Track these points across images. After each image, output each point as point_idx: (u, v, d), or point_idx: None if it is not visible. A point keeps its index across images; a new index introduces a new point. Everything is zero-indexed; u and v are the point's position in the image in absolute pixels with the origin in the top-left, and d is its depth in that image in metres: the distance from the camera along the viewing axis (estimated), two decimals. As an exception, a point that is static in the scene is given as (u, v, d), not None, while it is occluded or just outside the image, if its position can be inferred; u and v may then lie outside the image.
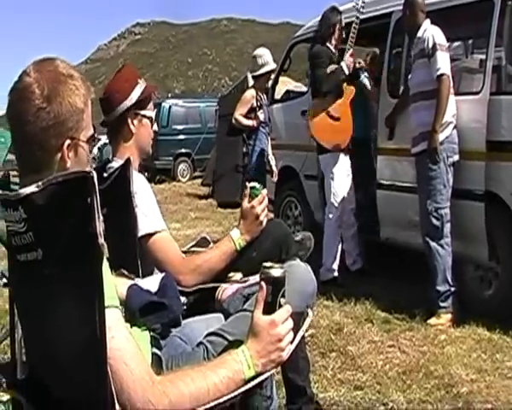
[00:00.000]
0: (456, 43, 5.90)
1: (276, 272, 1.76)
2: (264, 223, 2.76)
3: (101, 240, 1.48)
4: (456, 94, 5.05)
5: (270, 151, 7.25)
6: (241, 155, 7.25)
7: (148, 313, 2.05)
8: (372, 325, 4.85)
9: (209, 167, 15.44)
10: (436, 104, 4.83)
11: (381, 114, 6.04)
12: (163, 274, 2.33)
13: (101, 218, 1.49)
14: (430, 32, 4.94)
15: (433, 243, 4.93)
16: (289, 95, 8.53)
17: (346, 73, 6.08)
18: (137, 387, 1.55)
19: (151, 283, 2.22)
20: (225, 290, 2.49)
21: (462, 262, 5.15)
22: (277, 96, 8.31)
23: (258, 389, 1.89)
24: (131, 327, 2.00)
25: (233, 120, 7.05)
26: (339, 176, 6.23)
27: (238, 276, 2.66)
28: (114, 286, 1.65)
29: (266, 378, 1.81)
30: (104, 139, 11.34)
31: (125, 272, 2.42)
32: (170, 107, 19.71)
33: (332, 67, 6.14)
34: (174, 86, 79.87)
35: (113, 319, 1.57)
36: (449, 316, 4.90)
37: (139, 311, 2.03)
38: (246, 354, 1.72)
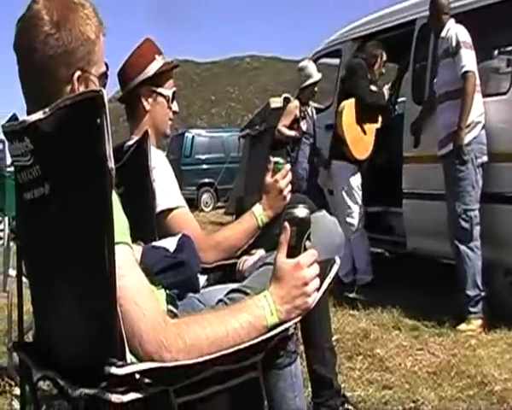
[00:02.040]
0: (483, 44, 5.77)
1: (301, 211, 1.64)
2: (288, 198, 2.65)
3: (111, 164, 1.38)
4: (484, 95, 4.92)
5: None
6: None
7: (164, 270, 1.93)
8: (400, 332, 4.68)
9: (232, 197, 15.37)
10: (461, 102, 4.71)
11: (406, 121, 5.93)
12: (180, 234, 2.21)
13: (111, 140, 1.39)
14: (454, 31, 4.85)
15: (462, 247, 4.77)
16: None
17: (386, 99, 6.27)
18: (149, 328, 1.43)
19: (168, 243, 2.12)
20: (246, 261, 2.38)
21: (491, 268, 4.98)
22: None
23: (281, 343, 1.74)
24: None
25: (276, 132, 7.09)
26: (355, 184, 6.26)
27: (261, 253, 2.54)
28: (127, 223, 1.55)
29: (289, 331, 1.67)
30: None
31: (142, 243, 2.32)
32: (193, 137, 19.74)
33: (373, 87, 6.25)
34: (198, 124, 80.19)
35: (125, 256, 1.46)
36: (479, 322, 4.72)
37: (154, 268, 1.91)
38: (268, 299, 1.59)
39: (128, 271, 1.45)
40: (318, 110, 8.06)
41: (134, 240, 2.54)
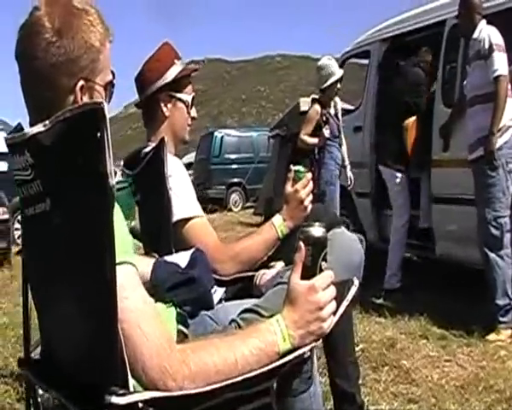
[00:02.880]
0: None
1: (317, 231, 1.55)
2: (309, 209, 2.56)
3: (113, 181, 1.31)
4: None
5: (346, 160, 6.94)
6: None
7: (175, 287, 1.85)
8: (427, 341, 4.56)
9: (261, 197, 15.29)
10: (494, 106, 4.57)
11: (435, 124, 5.79)
12: (193, 249, 2.13)
13: (112, 155, 1.31)
14: (486, 33, 4.71)
15: (491, 254, 4.63)
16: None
17: None
18: (153, 354, 1.35)
19: (180, 258, 2.03)
20: (264, 275, 2.29)
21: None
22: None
23: (296, 367, 1.65)
24: (156, 303, 1.83)
25: (298, 142, 6.83)
26: (404, 187, 6.18)
27: (280, 265, 2.45)
28: (131, 241, 1.47)
29: (305, 354, 1.58)
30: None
31: (155, 255, 2.25)
32: (222, 136, 19.71)
33: None
34: (228, 123, 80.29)
35: (127, 276, 1.38)
36: (509, 332, 4.59)
37: (165, 284, 1.84)
38: (281, 324, 1.50)
39: (131, 292, 1.37)
40: (346, 111, 7.93)
41: (149, 251, 2.50)
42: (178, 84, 2.69)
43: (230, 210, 18.48)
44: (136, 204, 2.76)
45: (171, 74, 2.66)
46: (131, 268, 1.41)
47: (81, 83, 1.48)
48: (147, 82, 2.67)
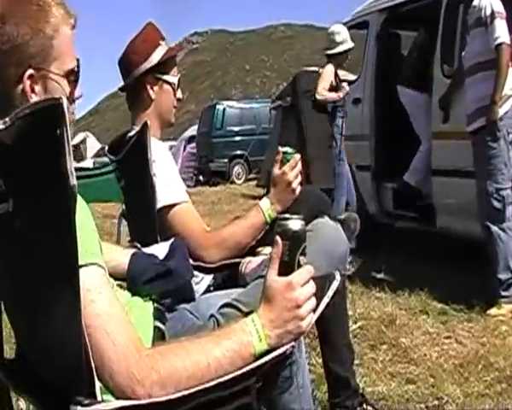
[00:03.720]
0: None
1: (295, 224, 1.46)
2: (298, 191, 2.47)
3: (73, 181, 1.23)
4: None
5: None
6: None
7: (152, 279, 1.78)
8: (427, 317, 4.49)
9: (264, 169, 15.20)
10: (495, 75, 4.45)
11: (434, 95, 5.67)
12: (172, 239, 2.05)
13: (72, 153, 1.23)
14: (487, 0, 4.58)
15: (494, 228, 4.54)
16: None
17: None
18: (120, 359, 1.28)
19: (159, 249, 1.96)
20: (249, 263, 2.22)
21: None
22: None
23: (277, 365, 1.57)
24: (132, 296, 1.76)
25: (317, 96, 6.66)
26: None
27: (268, 250, 2.36)
28: (97, 240, 1.40)
29: (283, 354, 1.50)
30: None
31: (138, 245, 2.18)
32: (224, 109, 19.58)
33: None
34: (232, 93, 79.92)
35: (93, 279, 1.31)
36: (510, 306, 4.49)
37: (142, 277, 1.76)
38: (256, 323, 1.41)
39: (97, 295, 1.30)
40: (348, 82, 7.81)
41: (133, 239, 2.43)
42: (164, 65, 2.61)
43: (233, 182, 18.45)
44: (121, 190, 2.69)
45: (156, 56, 2.58)
46: (98, 270, 1.34)
47: (30, 71, 1.40)
48: (132, 65, 2.58)
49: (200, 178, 19.28)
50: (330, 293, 1.60)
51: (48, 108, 1.24)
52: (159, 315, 1.74)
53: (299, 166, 2.47)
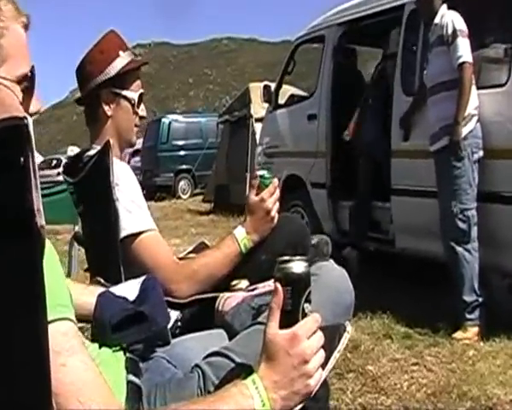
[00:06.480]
0: (477, 32, 5.41)
1: (298, 266, 1.25)
2: (276, 219, 2.27)
3: (41, 220, 1.00)
4: (479, 87, 4.57)
5: None
6: None
7: (123, 327, 1.54)
8: (392, 341, 4.34)
9: (210, 184, 14.99)
10: (458, 94, 4.36)
11: (395, 113, 5.56)
12: (144, 277, 1.81)
13: (39, 187, 1.00)
14: (449, 18, 4.49)
15: (459, 249, 4.42)
16: (293, 99, 7.98)
17: None
18: None
19: (129, 288, 1.71)
20: (228, 300, 1.99)
21: (487, 271, 4.65)
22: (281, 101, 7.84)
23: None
24: (100, 348, 1.52)
25: None
26: None
27: (244, 284, 2.16)
28: (67, 290, 1.17)
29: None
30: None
31: (101, 280, 1.94)
32: (170, 123, 19.34)
33: None
34: (175, 107, 79.42)
35: (64, 337, 1.09)
36: (476, 329, 4.39)
37: (111, 324, 1.53)
38: (258, 386, 1.20)
39: (67, 358, 1.08)
40: (300, 98, 7.70)
41: (94, 274, 2.18)
42: (123, 79, 2.32)
43: (179, 198, 18.22)
44: (78, 216, 2.44)
45: (114, 68, 2.30)
46: (69, 325, 1.11)
47: None
48: (87, 76, 2.31)
49: (144, 192, 18.93)
50: (341, 347, 1.39)
51: (8, 129, 1.00)
52: (132, 367, 1.50)
53: (278, 192, 2.27)
